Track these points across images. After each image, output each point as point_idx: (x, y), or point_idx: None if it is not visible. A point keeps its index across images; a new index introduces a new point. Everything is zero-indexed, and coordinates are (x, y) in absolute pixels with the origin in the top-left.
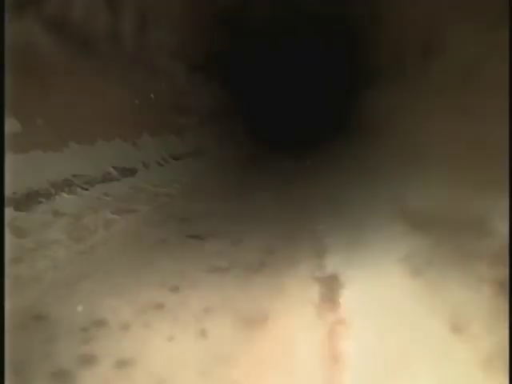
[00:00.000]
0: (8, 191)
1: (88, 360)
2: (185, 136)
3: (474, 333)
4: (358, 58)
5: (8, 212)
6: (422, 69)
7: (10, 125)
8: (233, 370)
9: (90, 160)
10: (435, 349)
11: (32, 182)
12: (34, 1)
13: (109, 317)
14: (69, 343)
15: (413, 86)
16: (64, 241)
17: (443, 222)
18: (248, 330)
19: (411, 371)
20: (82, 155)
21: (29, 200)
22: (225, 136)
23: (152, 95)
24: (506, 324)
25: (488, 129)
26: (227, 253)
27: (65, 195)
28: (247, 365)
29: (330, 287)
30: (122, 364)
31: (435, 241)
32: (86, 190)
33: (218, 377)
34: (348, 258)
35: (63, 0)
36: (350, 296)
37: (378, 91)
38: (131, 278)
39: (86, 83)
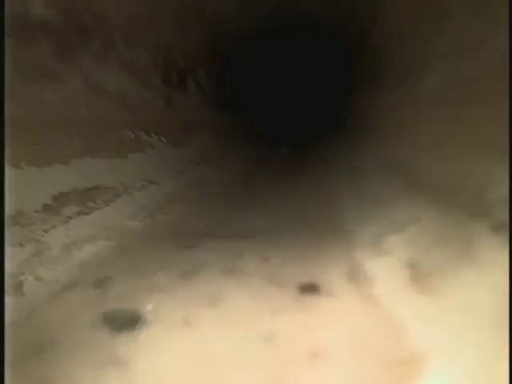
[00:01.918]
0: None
1: None
2: (186, 140)
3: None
4: (357, 59)
5: None
6: (422, 69)
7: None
8: None
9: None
10: None
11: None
12: None
13: None
14: None
15: (413, 87)
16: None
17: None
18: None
19: None
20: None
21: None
22: (225, 138)
23: None
24: None
25: (488, 131)
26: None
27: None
28: None
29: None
30: None
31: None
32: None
33: None
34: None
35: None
36: None
37: (378, 91)
38: None
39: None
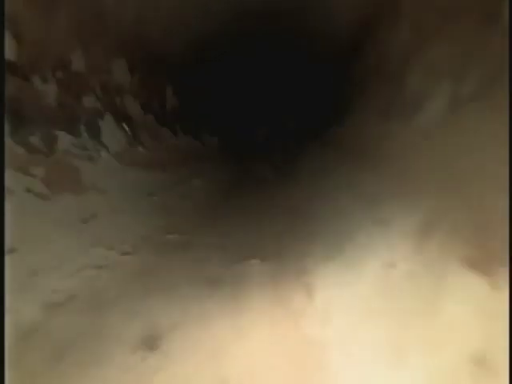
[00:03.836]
0: None
1: None
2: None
3: None
4: (344, 74)
5: None
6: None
7: None
8: None
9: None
10: None
11: None
12: None
13: None
14: None
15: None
16: None
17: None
18: None
19: None
20: None
21: None
22: (208, 154)
23: None
24: None
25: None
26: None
27: None
28: None
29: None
30: None
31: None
32: None
33: None
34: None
35: None
36: None
37: (365, 103)
38: None
39: None
